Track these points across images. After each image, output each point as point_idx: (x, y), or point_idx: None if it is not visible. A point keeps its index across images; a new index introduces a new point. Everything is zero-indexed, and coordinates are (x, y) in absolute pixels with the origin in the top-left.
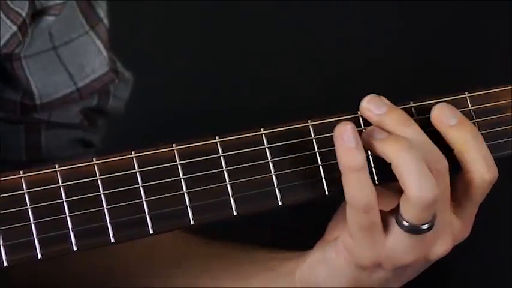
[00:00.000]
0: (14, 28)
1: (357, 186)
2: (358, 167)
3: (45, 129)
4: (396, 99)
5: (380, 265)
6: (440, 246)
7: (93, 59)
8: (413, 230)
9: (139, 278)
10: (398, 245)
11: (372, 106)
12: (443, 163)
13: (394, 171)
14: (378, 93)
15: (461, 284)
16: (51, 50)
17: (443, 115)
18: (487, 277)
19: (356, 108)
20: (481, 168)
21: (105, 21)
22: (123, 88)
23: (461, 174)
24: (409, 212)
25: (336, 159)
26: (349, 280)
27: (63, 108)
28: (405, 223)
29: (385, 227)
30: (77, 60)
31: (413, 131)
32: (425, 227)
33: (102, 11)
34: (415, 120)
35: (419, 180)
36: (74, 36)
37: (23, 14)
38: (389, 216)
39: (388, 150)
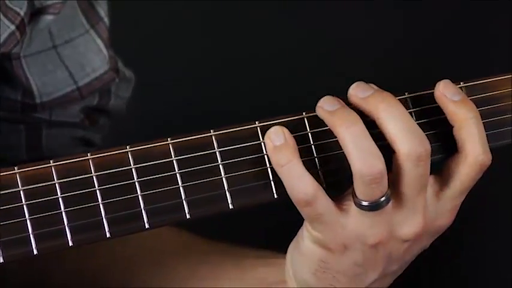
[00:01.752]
0: (12, 27)
1: (289, 181)
2: (283, 162)
3: (46, 128)
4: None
5: (346, 247)
6: (408, 226)
7: (93, 57)
8: (372, 207)
9: (139, 272)
10: (358, 225)
11: (359, 91)
12: (425, 147)
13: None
14: None
15: (460, 284)
16: (51, 49)
17: (447, 90)
18: (486, 277)
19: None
20: (477, 147)
21: (106, 20)
22: (125, 87)
23: (454, 155)
24: (358, 189)
25: (332, 151)
26: (319, 263)
27: (63, 107)
28: (364, 203)
29: (343, 209)
30: (77, 59)
31: (397, 110)
32: (382, 199)
33: (102, 10)
34: (411, 112)
35: (359, 156)
36: (74, 35)
37: (22, 13)
38: (346, 198)
39: (333, 124)
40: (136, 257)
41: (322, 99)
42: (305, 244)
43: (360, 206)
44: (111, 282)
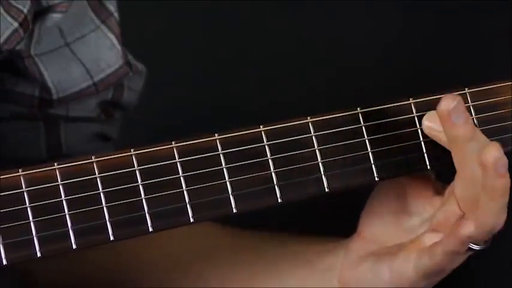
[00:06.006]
0: (15, 24)
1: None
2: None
3: (64, 124)
4: (396, 99)
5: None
6: None
7: (107, 53)
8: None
9: (169, 274)
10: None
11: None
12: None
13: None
14: (378, 94)
15: (460, 284)
16: (64, 47)
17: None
18: (486, 277)
19: (355, 106)
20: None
21: (116, 15)
22: (137, 80)
23: None
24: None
25: (332, 157)
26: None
27: (79, 102)
28: (476, 247)
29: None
30: (91, 55)
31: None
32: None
33: (112, 6)
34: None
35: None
36: (86, 31)
37: (25, 11)
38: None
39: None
40: (161, 261)
41: (499, 164)
42: (389, 281)
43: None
44: (133, 286)
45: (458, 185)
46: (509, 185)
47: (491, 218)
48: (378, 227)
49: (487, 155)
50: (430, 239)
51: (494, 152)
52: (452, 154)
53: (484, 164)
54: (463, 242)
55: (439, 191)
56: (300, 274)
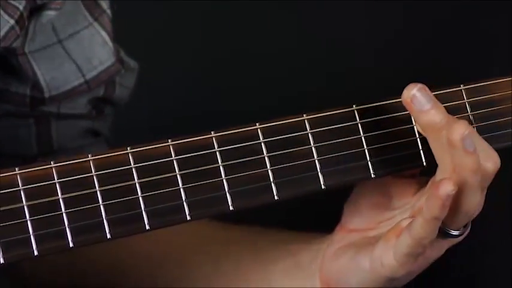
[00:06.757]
0: (12, 22)
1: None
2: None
3: (55, 121)
4: (396, 98)
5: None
6: None
7: (99, 50)
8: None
9: (159, 267)
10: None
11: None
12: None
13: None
14: (377, 93)
15: (460, 284)
16: (56, 44)
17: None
18: (486, 277)
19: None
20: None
21: (109, 12)
22: (129, 77)
23: None
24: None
25: (328, 154)
26: (387, 280)
27: (71, 100)
28: (454, 232)
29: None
30: (83, 52)
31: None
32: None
33: (104, 3)
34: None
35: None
36: (79, 28)
37: (21, 8)
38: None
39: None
40: (157, 253)
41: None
42: (371, 276)
43: (450, 235)
44: (129, 281)
45: (438, 174)
46: (477, 164)
47: (466, 201)
48: (360, 219)
49: (453, 133)
50: (408, 221)
51: (461, 129)
52: (430, 145)
53: (451, 143)
54: (444, 204)
55: (423, 187)
56: (283, 266)
